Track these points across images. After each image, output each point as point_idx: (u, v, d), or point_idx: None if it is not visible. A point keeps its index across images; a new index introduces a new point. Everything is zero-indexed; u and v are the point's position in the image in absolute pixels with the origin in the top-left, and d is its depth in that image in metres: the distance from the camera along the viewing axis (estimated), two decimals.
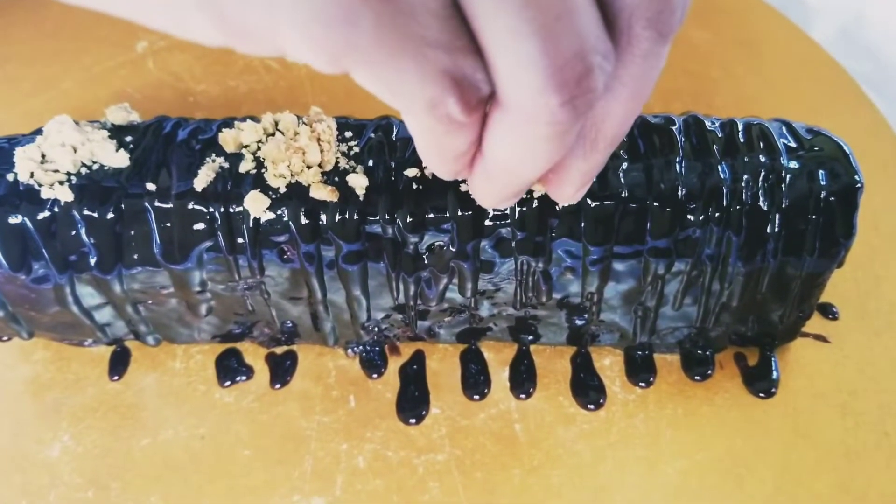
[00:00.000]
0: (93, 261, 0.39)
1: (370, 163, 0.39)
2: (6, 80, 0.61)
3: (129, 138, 0.41)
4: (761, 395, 0.44)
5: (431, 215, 0.38)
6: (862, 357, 0.45)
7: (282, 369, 0.46)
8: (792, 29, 0.65)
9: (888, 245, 0.50)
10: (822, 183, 0.38)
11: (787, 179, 0.38)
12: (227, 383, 0.45)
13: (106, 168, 0.39)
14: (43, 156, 0.39)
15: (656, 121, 0.41)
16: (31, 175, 0.38)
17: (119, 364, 0.46)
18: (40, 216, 0.38)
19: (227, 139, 0.39)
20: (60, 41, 0.64)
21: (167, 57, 0.62)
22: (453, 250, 0.39)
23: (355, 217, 0.38)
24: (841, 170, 0.39)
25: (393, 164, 0.39)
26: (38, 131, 0.41)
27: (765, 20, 0.66)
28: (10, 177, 0.39)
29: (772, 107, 0.58)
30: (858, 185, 0.38)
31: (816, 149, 0.39)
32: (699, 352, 0.45)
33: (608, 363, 0.45)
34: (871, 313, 0.47)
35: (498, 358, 0.46)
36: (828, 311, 0.47)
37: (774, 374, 0.45)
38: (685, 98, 0.58)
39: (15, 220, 0.38)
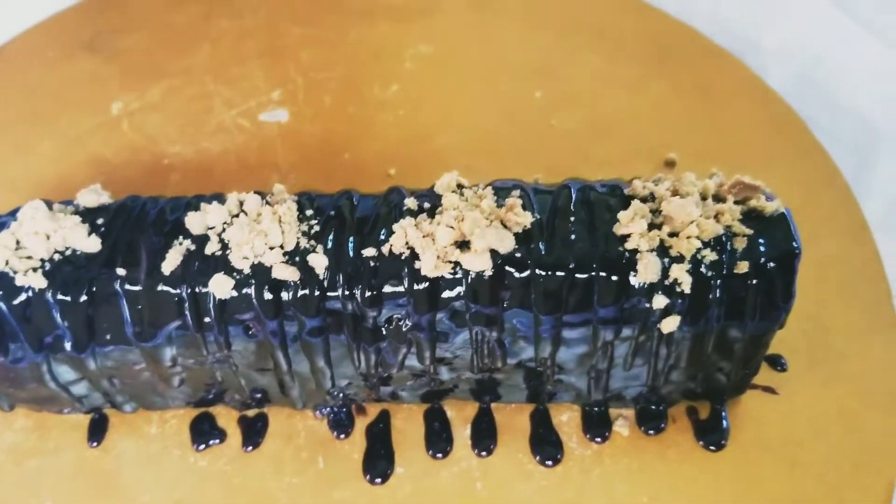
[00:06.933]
0: (67, 343, 0.41)
1: (330, 240, 0.41)
2: None
3: (100, 220, 0.43)
4: (711, 448, 0.46)
5: (388, 290, 0.40)
6: (810, 408, 0.47)
7: (253, 431, 0.47)
8: (748, 75, 0.67)
9: (836, 296, 0.51)
10: (762, 250, 0.40)
11: (729, 247, 0.40)
12: (201, 447, 0.47)
13: (78, 253, 0.41)
14: (17, 242, 0.41)
15: (602, 191, 0.43)
16: (6, 263, 0.40)
17: (97, 430, 0.48)
18: (15, 301, 0.40)
19: (194, 222, 0.41)
20: (37, 104, 0.65)
21: (141, 118, 0.64)
22: (410, 323, 0.41)
23: (316, 294, 0.40)
24: (780, 236, 0.40)
25: (351, 242, 0.41)
26: (14, 212, 0.43)
27: (722, 67, 0.68)
28: None
29: (727, 155, 0.59)
30: (797, 251, 0.40)
31: (757, 215, 0.41)
32: (653, 407, 0.47)
33: (566, 419, 0.47)
34: (819, 363, 0.49)
35: (460, 416, 0.48)
36: (777, 363, 0.49)
37: (724, 428, 0.46)
38: (644, 151, 0.60)
39: None
